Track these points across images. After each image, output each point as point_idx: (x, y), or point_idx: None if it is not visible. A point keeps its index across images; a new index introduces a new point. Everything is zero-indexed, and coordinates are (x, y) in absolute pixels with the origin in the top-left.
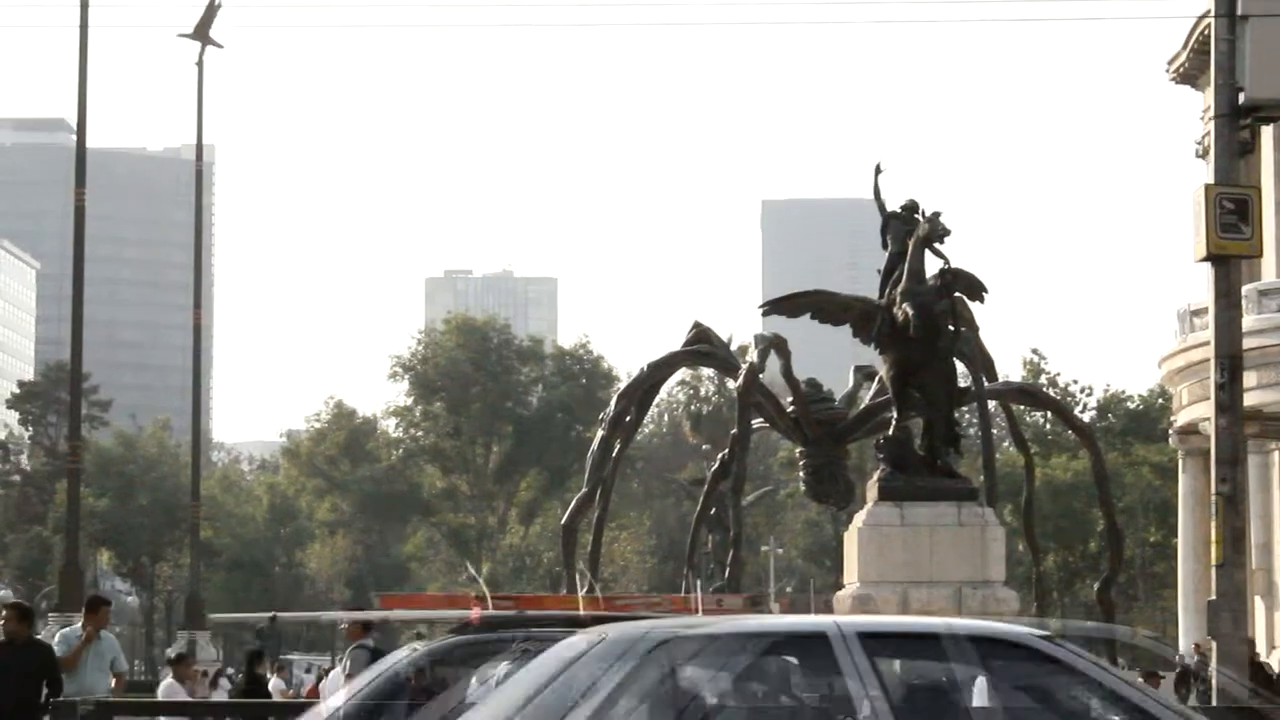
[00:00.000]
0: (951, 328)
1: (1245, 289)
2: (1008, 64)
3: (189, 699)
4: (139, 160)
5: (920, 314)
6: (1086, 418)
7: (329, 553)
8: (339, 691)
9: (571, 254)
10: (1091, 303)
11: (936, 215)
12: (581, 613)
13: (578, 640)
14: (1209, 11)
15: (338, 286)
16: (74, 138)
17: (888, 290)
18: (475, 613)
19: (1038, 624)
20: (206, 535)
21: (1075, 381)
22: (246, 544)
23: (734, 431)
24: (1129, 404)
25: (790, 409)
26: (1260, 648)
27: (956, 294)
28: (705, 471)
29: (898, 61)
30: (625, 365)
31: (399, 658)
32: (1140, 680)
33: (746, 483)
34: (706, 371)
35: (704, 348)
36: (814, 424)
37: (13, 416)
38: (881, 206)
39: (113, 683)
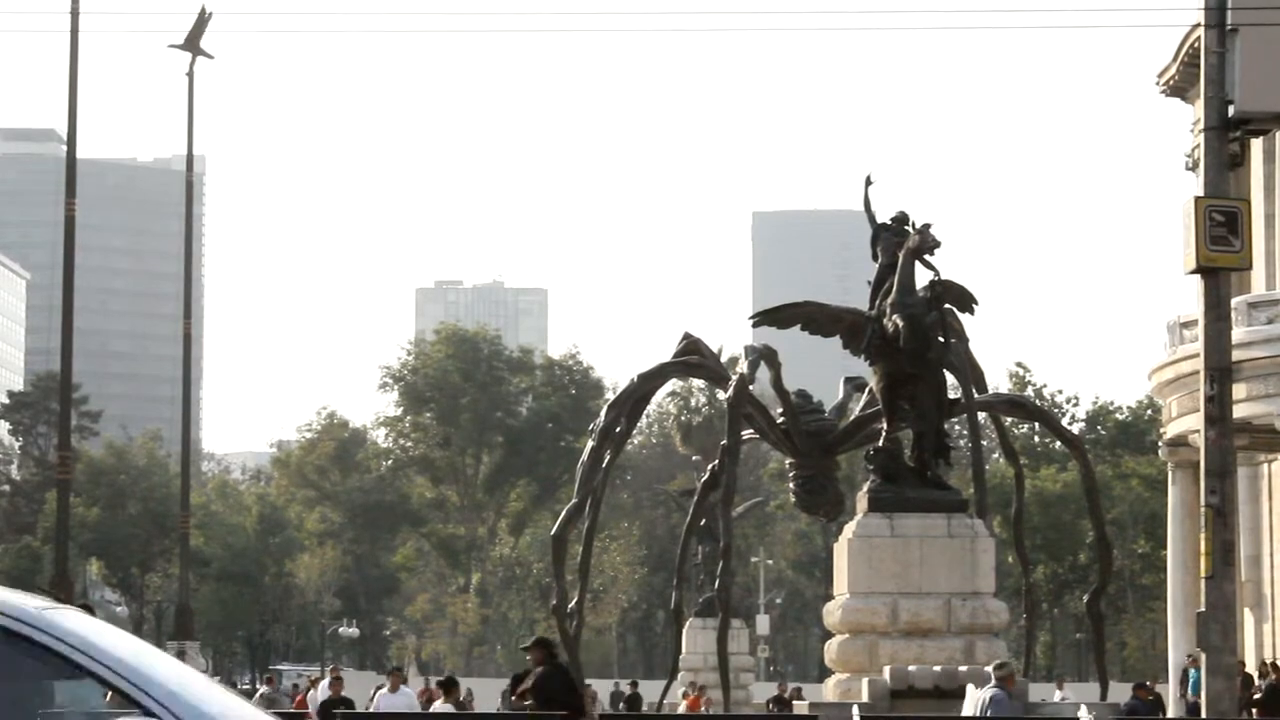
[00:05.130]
0: (941, 339)
1: (1235, 301)
2: (998, 76)
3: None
4: (129, 171)
5: (910, 325)
6: (1075, 429)
7: (318, 563)
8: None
9: (562, 265)
10: (1081, 314)
11: (926, 227)
12: None
13: None
14: (1199, 23)
15: (328, 297)
16: (64, 148)
17: (878, 302)
18: None
19: None
20: (197, 545)
21: (1060, 392)
22: (236, 554)
23: (724, 442)
24: (1118, 416)
25: (780, 420)
26: (1249, 659)
27: (946, 306)
28: (695, 482)
29: (888, 73)
30: (615, 376)
31: None
32: None
33: (736, 494)
34: (697, 382)
35: (694, 359)
36: (804, 435)
37: (3, 427)
38: (872, 218)
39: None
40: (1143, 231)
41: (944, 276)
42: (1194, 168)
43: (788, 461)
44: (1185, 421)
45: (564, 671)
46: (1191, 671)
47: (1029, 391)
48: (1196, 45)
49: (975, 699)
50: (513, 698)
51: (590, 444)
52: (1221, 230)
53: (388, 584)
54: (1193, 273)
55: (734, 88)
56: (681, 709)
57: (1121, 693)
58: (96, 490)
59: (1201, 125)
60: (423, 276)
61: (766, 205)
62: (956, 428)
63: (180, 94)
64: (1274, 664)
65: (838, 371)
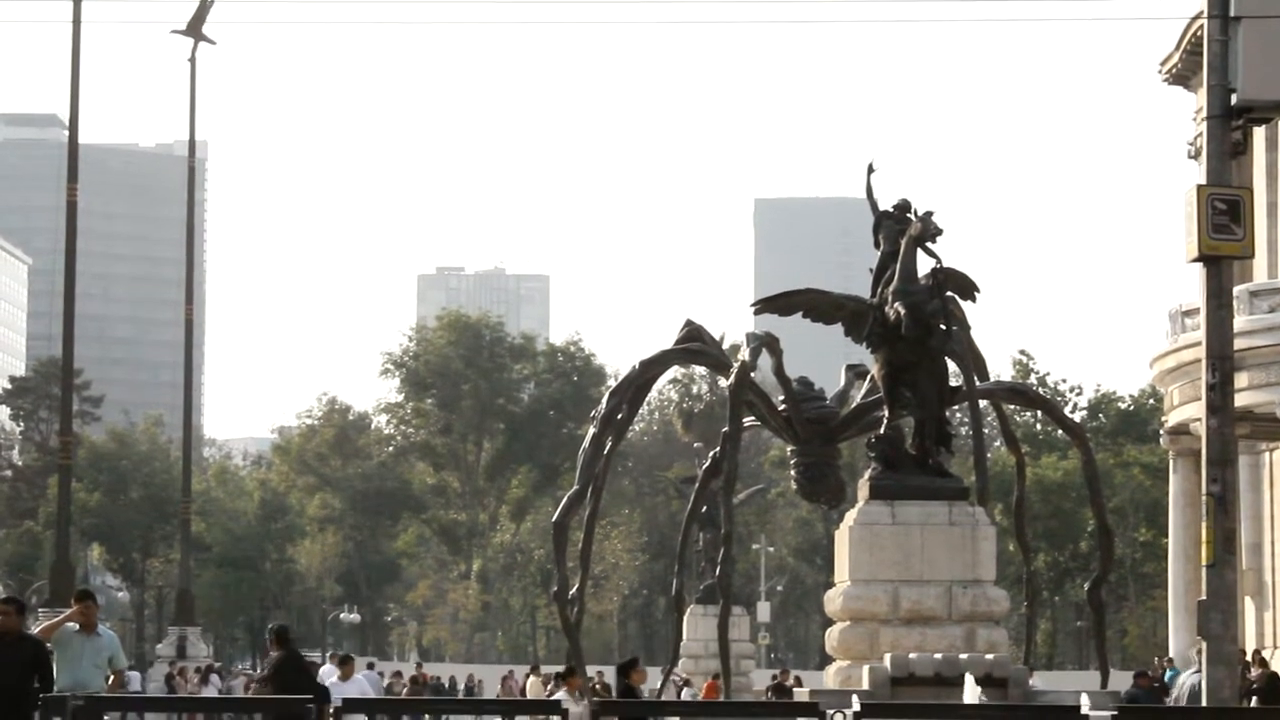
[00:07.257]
0: (943, 327)
1: (1236, 290)
2: (1000, 64)
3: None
4: (131, 156)
5: (912, 313)
6: (1077, 418)
7: (320, 549)
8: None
9: (564, 251)
10: (1083, 303)
11: (929, 215)
12: None
13: None
14: (1202, 12)
15: (330, 283)
16: (66, 133)
17: (880, 289)
18: None
19: None
20: (198, 530)
21: (1064, 380)
22: (237, 540)
23: (725, 430)
24: (1120, 404)
25: (782, 407)
26: (1249, 648)
27: (948, 293)
28: (696, 470)
29: (891, 61)
30: (617, 363)
31: None
32: None
33: (738, 481)
34: (698, 370)
35: (696, 346)
36: (805, 423)
37: (4, 412)
38: (874, 205)
39: (110, 680)
40: (1145, 220)
41: (946, 264)
42: (1196, 156)
43: (789, 449)
44: (1187, 410)
45: (298, 656)
46: (1168, 672)
47: (1031, 379)
48: (1199, 33)
49: (1181, 683)
50: (255, 684)
51: (591, 431)
52: (1224, 219)
53: (389, 570)
54: (1194, 261)
55: (735, 75)
56: (686, 695)
57: (1122, 681)
58: (98, 475)
59: (1204, 113)
60: (424, 263)
61: (768, 192)
62: (958, 415)
63: (182, 79)
64: (1260, 657)
65: (839, 359)
